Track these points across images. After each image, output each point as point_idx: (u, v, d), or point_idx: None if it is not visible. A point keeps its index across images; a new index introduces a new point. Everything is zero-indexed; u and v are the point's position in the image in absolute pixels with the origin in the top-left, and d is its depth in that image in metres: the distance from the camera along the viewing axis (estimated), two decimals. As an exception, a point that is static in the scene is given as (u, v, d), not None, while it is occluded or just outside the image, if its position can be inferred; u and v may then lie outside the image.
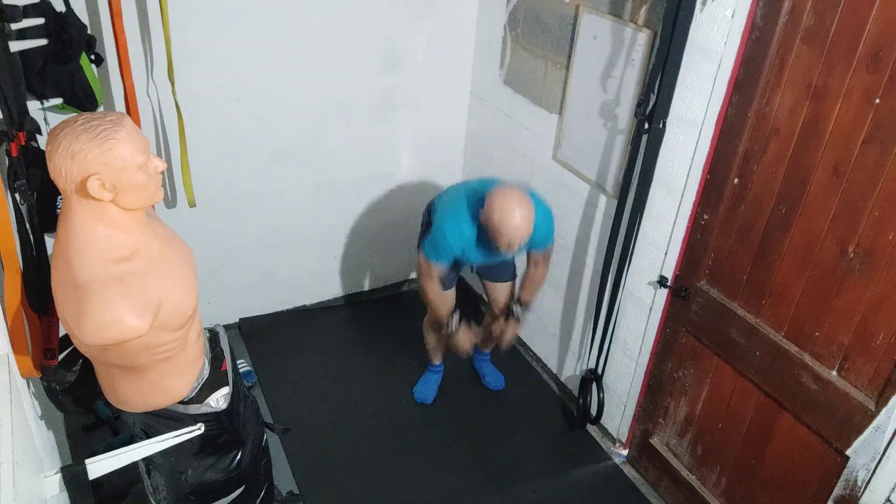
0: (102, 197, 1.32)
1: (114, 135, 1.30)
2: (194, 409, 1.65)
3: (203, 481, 1.74)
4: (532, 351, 3.12)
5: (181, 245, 1.61)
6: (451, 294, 2.43)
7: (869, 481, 1.74)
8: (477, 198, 2.14)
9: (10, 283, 1.52)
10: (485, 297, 2.73)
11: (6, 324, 1.48)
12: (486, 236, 2.10)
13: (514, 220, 1.96)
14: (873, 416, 1.69)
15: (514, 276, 2.59)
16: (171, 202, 2.67)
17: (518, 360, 3.10)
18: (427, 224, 2.51)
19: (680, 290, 2.17)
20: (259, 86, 2.61)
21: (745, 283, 1.99)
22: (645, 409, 2.51)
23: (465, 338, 2.47)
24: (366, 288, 3.45)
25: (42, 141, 1.77)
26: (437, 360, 2.78)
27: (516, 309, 2.50)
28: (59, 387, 1.65)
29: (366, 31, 2.71)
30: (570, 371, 2.88)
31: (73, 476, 1.45)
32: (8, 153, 1.57)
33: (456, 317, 2.44)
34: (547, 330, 2.96)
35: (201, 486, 1.75)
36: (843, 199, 1.66)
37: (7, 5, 1.71)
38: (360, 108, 2.88)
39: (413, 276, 3.48)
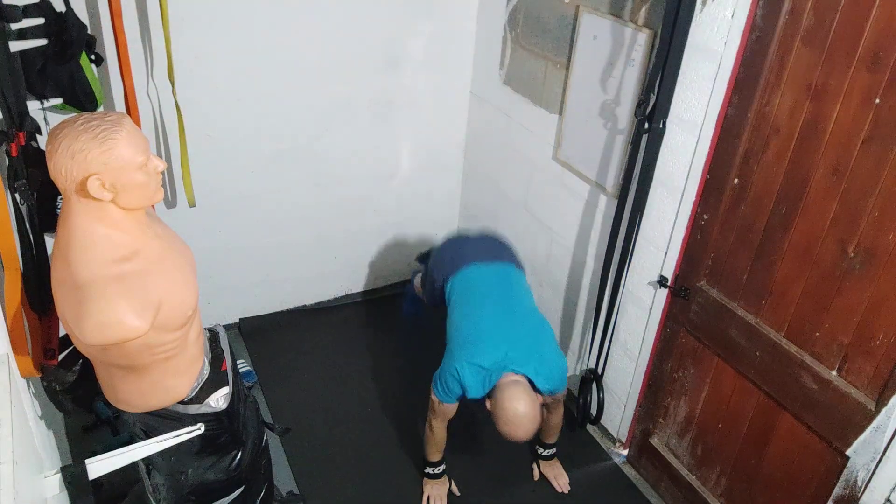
0: (102, 197, 1.32)
1: (114, 135, 1.30)
2: (194, 409, 1.65)
3: (203, 481, 1.74)
4: (532, 351, 3.12)
5: (181, 245, 1.61)
6: (455, 407, 2.30)
7: (869, 481, 1.74)
8: (487, 364, 2.07)
9: (10, 283, 1.52)
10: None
11: (6, 324, 1.47)
12: None
13: (518, 433, 2.01)
14: (873, 416, 1.69)
15: None
16: (171, 202, 2.67)
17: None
18: (426, 277, 2.51)
19: (680, 290, 2.17)
20: (259, 86, 2.61)
21: (745, 283, 1.99)
22: (645, 409, 2.51)
23: (442, 494, 2.42)
24: (366, 288, 3.45)
25: (42, 141, 1.77)
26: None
27: (544, 451, 2.51)
28: (59, 387, 1.65)
29: (366, 31, 2.71)
30: (570, 371, 2.88)
31: (73, 476, 1.45)
32: (8, 153, 1.57)
33: (443, 466, 2.42)
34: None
35: (201, 486, 1.75)
36: (843, 199, 1.66)
37: (7, 5, 1.71)
38: (360, 107, 2.88)
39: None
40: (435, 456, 2.40)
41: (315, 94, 2.75)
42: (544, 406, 2.32)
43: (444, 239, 2.70)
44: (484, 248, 2.51)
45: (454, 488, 2.47)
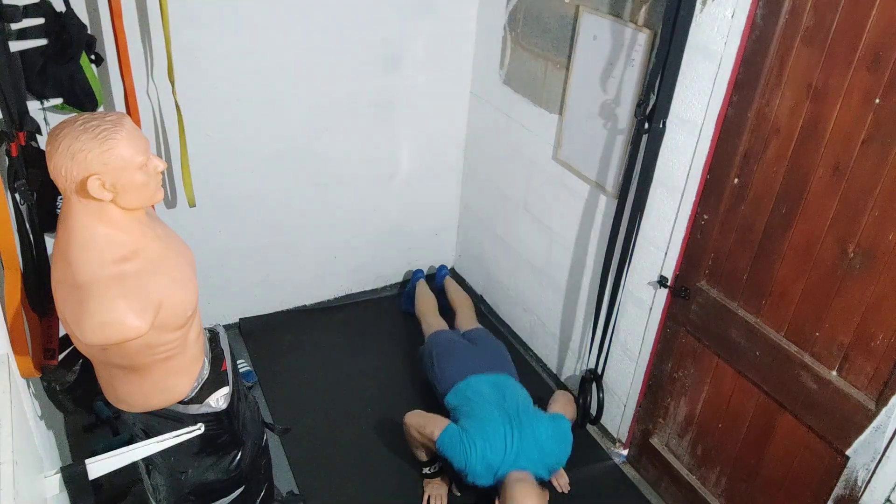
0: (102, 197, 1.32)
1: (114, 135, 1.30)
2: (194, 409, 1.65)
3: (203, 481, 1.74)
4: (532, 351, 3.13)
5: (181, 245, 1.61)
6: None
7: (869, 481, 1.74)
8: (496, 462, 2.18)
9: (10, 283, 1.52)
10: None
11: (6, 324, 1.48)
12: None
13: None
14: (873, 416, 1.69)
15: None
16: (171, 202, 2.67)
17: (518, 359, 3.09)
18: (439, 395, 2.56)
19: (680, 290, 2.17)
20: (259, 86, 2.61)
21: (745, 283, 1.99)
22: (645, 409, 2.51)
23: (442, 492, 2.44)
24: (366, 288, 3.44)
25: (42, 141, 1.77)
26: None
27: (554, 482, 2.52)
28: (59, 387, 1.65)
29: (366, 31, 2.70)
30: (570, 371, 2.88)
31: (73, 476, 1.45)
32: (8, 153, 1.57)
33: (437, 464, 2.42)
34: (547, 330, 2.96)
35: (201, 486, 1.75)
36: (843, 199, 1.66)
37: (7, 5, 1.71)
38: (360, 107, 2.88)
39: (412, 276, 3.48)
40: (423, 456, 2.41)
41: (315, 94, 2.75)
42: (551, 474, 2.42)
43: (443, 341, 2.74)
44: (480, 359, 2.60)
45: (454, 489, 2.47)
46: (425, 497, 2.43)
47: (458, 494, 2.46)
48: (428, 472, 2.43)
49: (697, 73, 1.93)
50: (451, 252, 3.60)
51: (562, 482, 2.50)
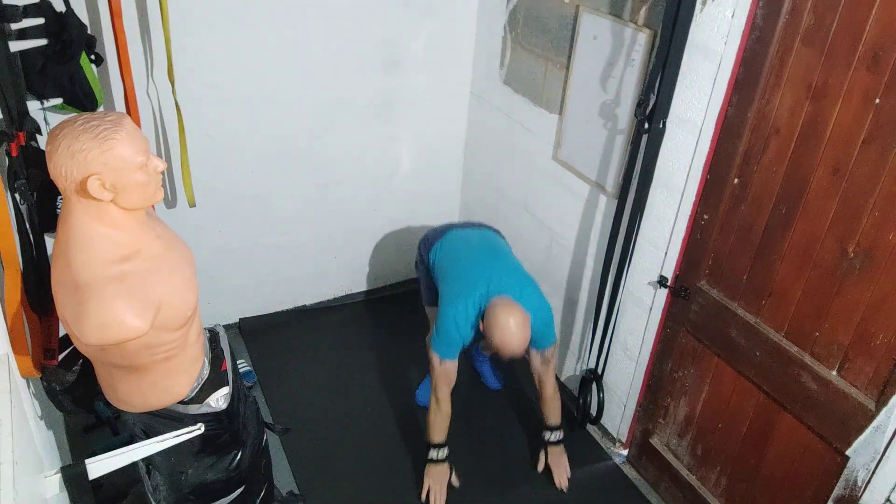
0: (102, 197, 1.32)
1: (114, 135, 1.30)
2: (194, 408, 1.65)
3: (203, 481, 1.74)
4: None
5: (181, 245, 1.61)
6: (456, 365, 2.33)
7: (869, 481, 1.74)
8: (475, 299, 2.17)
9: (10, 283, 1.52)
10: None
11: (6, 324, 1.48)
12: None
13: (511, 341, 2.07)
14: (873, 416, 1.69)
15: None
16: (171, 202, 2.67)
17: (517, 359, 3.09)
18: (425, 266, 2.52)
19: (680, 290, 2.17)
20: (259, 86, 2.61)
21: (745, 283, 1.99)
22: (645, 409, 2.51)
23: (443, 485, 2.40)
24: (366, 288, 3.45)
25: (42, 141, 1.77)
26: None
27: (550, 436, 2.50)
28: (59, 387, 1.65)
29: (366, 31, 2.70)
30: (570, 371, 2.88)
31: (73, 476, 1.45)
32: (8, 153, 1.57)
33: (446, 450, 2.41)
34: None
35: (201, 486, 1.75)
36: (843, 199, 1.66)
37: (7, 5, 1.71)
38: (360, 108, 2.88)
39: (413, 276, 3.48)
40: (438, 436, 2.37)
41: (315, 94, 2.75)
42: (536, 377, 2.39)
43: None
44: (467, 223, 2.59)
45: (454, 479, 2.44)
46: (425, 486, 2.39)
47: (457, 486, 2.45)
48: (435, 457, 2.39)
49: (697, 73, 1.93)
50: (451, 252, 3.60)
51: (562, 478, 2.48)
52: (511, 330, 2.06)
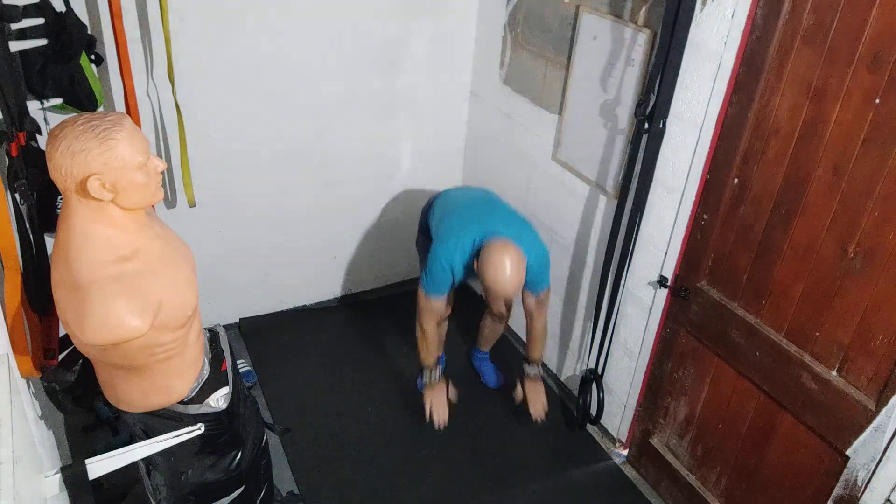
0: (102, 197, 1.32)
1: (114, 135, 1.30)
2: (194, 409, 1.65)
3: (203, 481, 1.74)
4: (532, 351, 3.12)
5: (181, 245, 1.61)
6: (443, 302, 2.34)
7: (869, 481, 1.74)
8: (471, 236, 2.14)
9: (10, 283, 1.52)
10: (482, 295, 2.72)
11: (6, 324, 1.47)
12: None
13: (504, 281, 2.03)
14: (873, 416, 1.69)
15: None
16: (171, 202, 2.67)
17: (518, 359, 3.09)
18: (424, 228, 2.50)
19: (680, 290, 2.17)
20: (259, 86, 2.61)
21: (745, 284, 1.99)
22: (645, 409, 2.51)
23: (442, 400, 2.41)
24: (366, 288, 3.45)
25: (42, 141, 1.77)
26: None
27: (529, 369, 2.50)
28: (59, 387, 1.65)
29: (366, 31, 2.71)
30: (570, 371, 2.88)
31: (73, 476, 1.45)
32: (8, 153, 1.57)
33: (440, 369, 2.42)
34: (547, 330, 2.95)
35: (201, 486, 1.75)
36: (843, 199, 1.66)
37: (7, 5, 1.71)
38: (360, 107, 2.88)
39: (413, 276, 3.48)
40: (429, 358, 2.38)
41: (315, 94, 2.75)
42: (528, 314, 2.38)
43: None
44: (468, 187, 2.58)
45: (451, 393, 2.45)
46: (427, 406, 2.41)
47: (455, 401, 2.47)
48: (429, 379, 2.41)
49: (697, 73, 1.93)
50: (451, 252, 3.60)
51: (538, 407, 2.44)
52: (505, 270, 2.00)
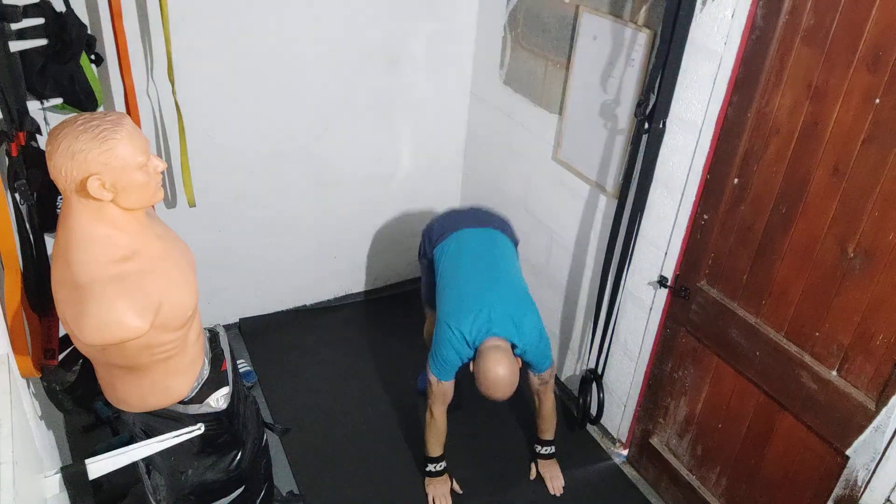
0: (102, 197, 1.32)
1: (114, 135, 1.30)
2: (194, 409, 1.65)
3: (203, 481, 1.74)
4: (532, 351, 3.12)
5: (181, 245, 1.61)
6: (453, 384, 2.32)
7: (869, 481, 1.74)
8: (468, 325, 2.13)
9: (10, 283, 1.52)
10: None
11: (6, 324, 1.47)
12: None
13: (497, 394, 2.10)
14: (873, 416, 1.69)
15: None
16: (171, 202, 2.67)
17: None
18: (425, 251, 2.49)
19: (680, 290, 2.17)
20: (260, 86, 2.61)
21: (745, 283, 1.99)
22: (645, 409, 2.51)
23: (446, 492, 2.43)
24: (366, 288, 3.45)
25: (42, 141, 1.77)
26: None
27: (542, 450, 2.52)
28: (59, 387, 1.65)
29: (366, 31, 2.70)
30: (570, 371, 2.88)
31: (73, 476, 1.45)
32: (8, 153, 1.57)
33: (443, 463, 2.43)
34: (547, 330, 2.95)
35: (201, 486, 1.75)
36: (843, 199, 1.66)
37: (7, 5, 1.71)
38: (360, 108, 2.88)
39: (413, 276, 3.48)
40: (436, 450, 2.39)
41: (315, 94, 2.75)
42: (535, 394, 2.39)
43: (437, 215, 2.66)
44: (473, 215, 2.53)
45: (456, 486, 2.47)
46: (430, 498, 2.42)
47: (461, 493, 2.46)
48: (433, 469, 2.42)
49: (697, 73, 1.93)
50: (451, 252, 3.60)
51: (556, 484, 2.50)
52: (498, 382, 2.07)
